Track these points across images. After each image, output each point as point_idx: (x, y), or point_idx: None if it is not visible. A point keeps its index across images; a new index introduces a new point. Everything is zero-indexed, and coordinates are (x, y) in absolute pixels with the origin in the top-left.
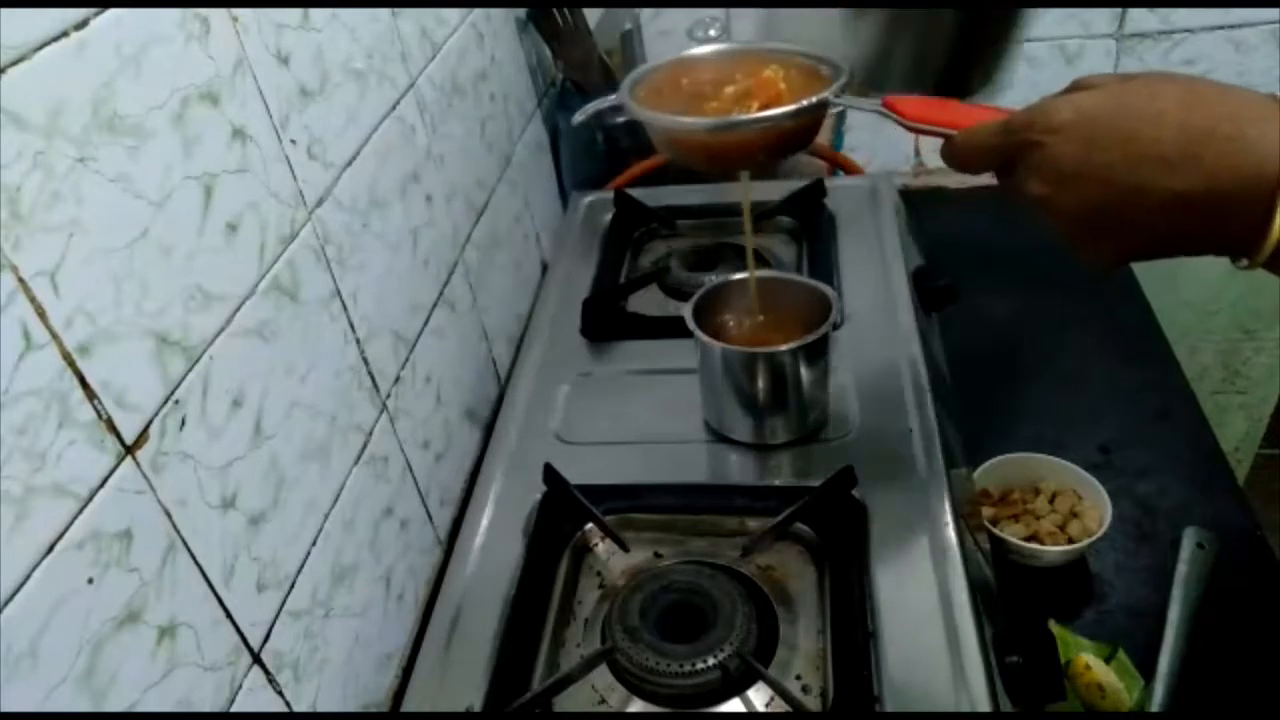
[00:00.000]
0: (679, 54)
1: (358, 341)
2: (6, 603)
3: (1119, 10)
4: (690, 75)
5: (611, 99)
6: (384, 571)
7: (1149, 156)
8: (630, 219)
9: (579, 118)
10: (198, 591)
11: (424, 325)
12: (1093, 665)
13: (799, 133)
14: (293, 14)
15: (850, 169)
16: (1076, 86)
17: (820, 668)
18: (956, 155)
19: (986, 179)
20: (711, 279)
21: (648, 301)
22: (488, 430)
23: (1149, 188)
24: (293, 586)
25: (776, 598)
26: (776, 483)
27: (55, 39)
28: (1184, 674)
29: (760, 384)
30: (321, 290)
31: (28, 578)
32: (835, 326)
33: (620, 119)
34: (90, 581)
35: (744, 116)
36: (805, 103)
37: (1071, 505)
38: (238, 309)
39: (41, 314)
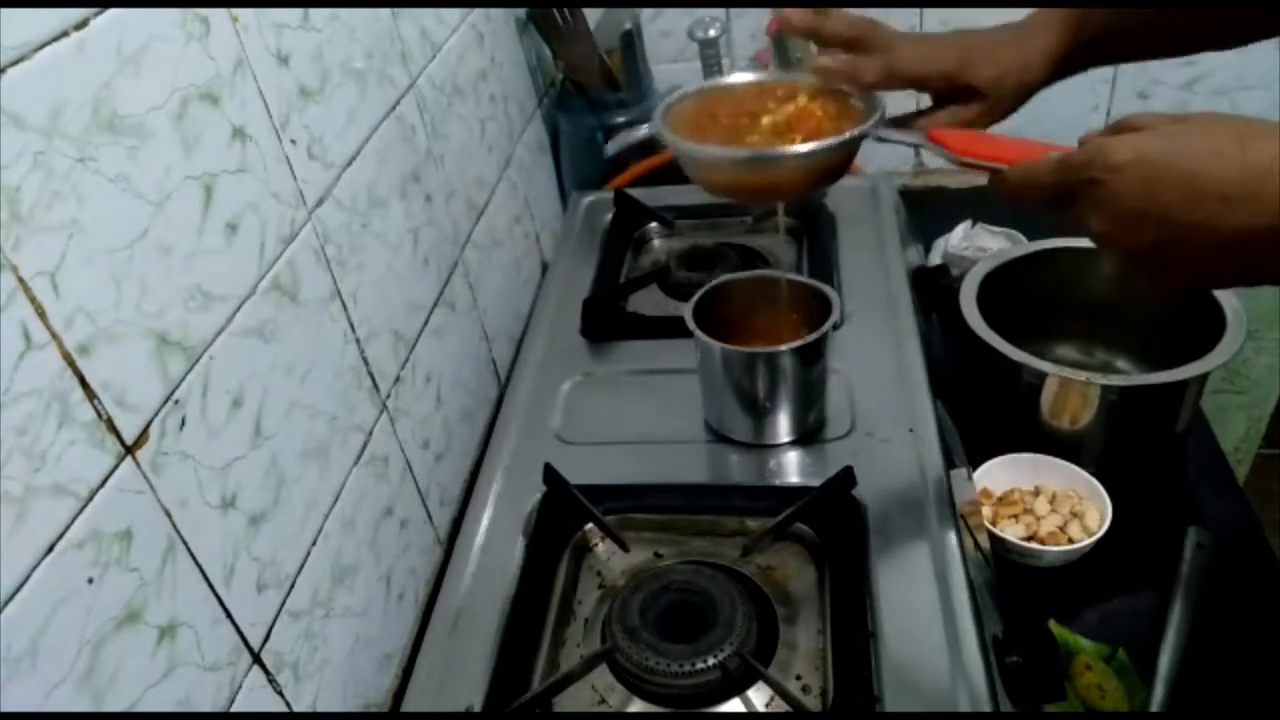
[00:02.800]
0: (706, 82)
1: (358, 341)
2: (6, 603)
3: None
4: (721, 106)
5: (644, 130)
6: (384, 571)
7: (1210, 195)
8: (630, 219)
9: (612, 149)
10: (198, 591)
11: (424, 325)
12: (1093, 665)
13: (837, 165)
14: (293, 14)
15: (851, 169)
16: (1125, 126)
17: (820, 668)
18: (1010, 191)
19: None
20: (711, 279)
21: (648, 301)
22: (488, 430)
23: (1211, 225)
24: (293, 586)
25: (776, 598)
26: (776, 483)
27: (55, 39)
28: (1184, 674)
29: (760, 384)
30: (321, 290)
31: (28, 578)
32: (835, 326)
33: (620, 119)
34: (90, 581)
35: (788, 150)
36: (850, 134)
37: (1072, 505)
38: (238, 309)
39: (41, 314)
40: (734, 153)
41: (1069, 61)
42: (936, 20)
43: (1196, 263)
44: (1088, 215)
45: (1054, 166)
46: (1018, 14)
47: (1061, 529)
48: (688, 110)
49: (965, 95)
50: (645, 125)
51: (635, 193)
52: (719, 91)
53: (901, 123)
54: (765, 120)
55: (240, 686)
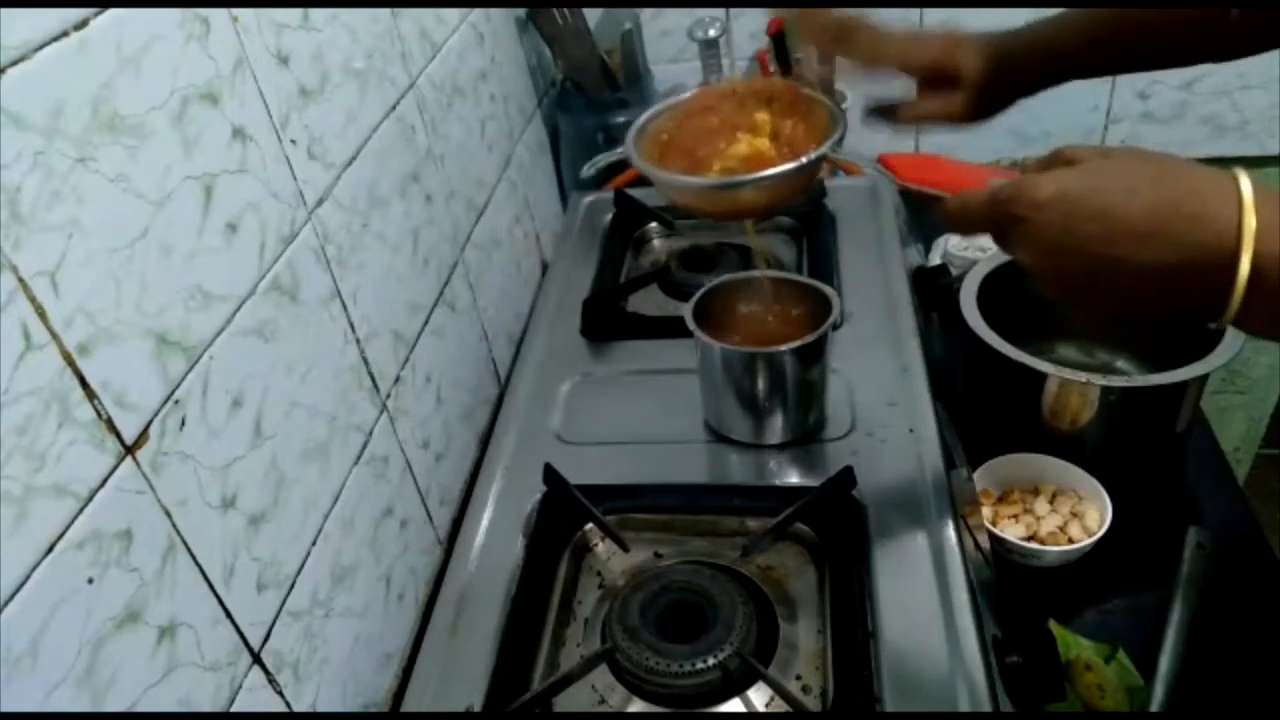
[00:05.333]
0: (677, 97)
1: (358, 341)
2: (6, 603)
3: None
4: (691, 123)
5: (618, 152)
6: (384, 571)
7: (1123, 231)
8: (630, 219)
9: (588, 171)
10: (198, 591)
11: (424, 325)
12: (1093, 665)
13: (799, 186)
14: (293, 14)
15: (850, 169)
16: (1057, 159)
17: (820, 668)
18: (949, 219)
19: None
20: (711, 279)
21: (648, 301)
22: (488, 430)
23: (1125, 259)
24: (293, 586)
25: (776, 598)
26: (776, 483)
27: (55, 39)
28: (1184, 674)
29: (760, 384)
30: (321, 290)
31: (28, 578)
32: (835, 326)
33: (621, 119)
34: (90, 581)
35: (743, 177)
36: (805, 159)
37: (1072, 505)
38: (238, 309)
39: (41, 314)
40: (697, 181)
41: (1061, 65)
42: (937, 20)
43: (1118, 294)
44: (1015, 247)
45: (986, 199)
46: (1016, 15)
47: (1061, 529)
48: (658, 132)
49: (949, 84)
50: (619, 149)
51: (635, 193)
52: (690, 106)
53: (888, 110)
54: (716, 167)
55: (240, 686)
